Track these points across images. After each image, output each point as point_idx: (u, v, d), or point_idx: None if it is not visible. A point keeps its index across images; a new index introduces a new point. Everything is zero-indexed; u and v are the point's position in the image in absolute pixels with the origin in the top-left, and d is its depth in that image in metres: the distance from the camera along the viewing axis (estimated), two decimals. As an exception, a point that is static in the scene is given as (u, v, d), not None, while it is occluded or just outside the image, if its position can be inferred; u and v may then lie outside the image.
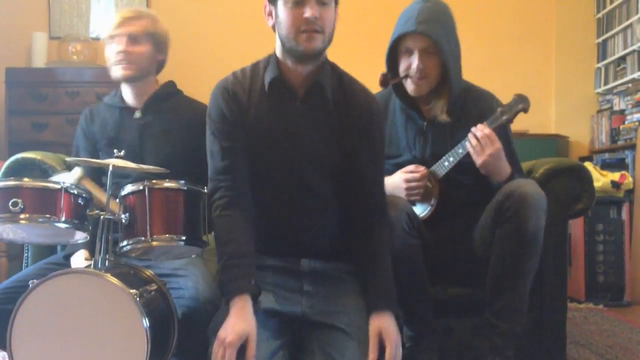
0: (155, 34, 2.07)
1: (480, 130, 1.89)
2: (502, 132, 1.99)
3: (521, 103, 1.94)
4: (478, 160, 1.89)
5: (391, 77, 2.02)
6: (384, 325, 1.55)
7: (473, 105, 2.03)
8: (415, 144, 2.04)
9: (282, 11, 1.58)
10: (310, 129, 1.66)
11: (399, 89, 2.04)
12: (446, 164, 1.96)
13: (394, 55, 2.01)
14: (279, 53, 1.66)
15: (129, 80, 2.04)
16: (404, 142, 2.05)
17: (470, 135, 1.90)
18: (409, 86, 1.98)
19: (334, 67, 1.72)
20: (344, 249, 1.69)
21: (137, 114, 2.06)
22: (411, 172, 1.96)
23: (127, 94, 2.09)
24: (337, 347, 1.51)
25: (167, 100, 2.11)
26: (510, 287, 1.83)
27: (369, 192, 1.70)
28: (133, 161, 1.75)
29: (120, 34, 2.01)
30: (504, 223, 1.81)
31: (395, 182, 1.98)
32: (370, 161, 1.70)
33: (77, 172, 1.84)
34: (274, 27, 1.64)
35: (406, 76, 1.97)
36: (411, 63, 1.94)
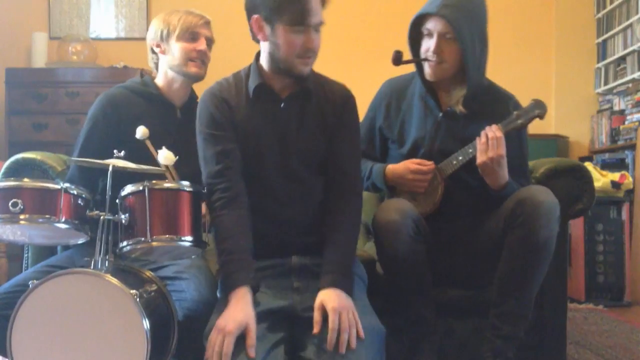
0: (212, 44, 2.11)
1: (493, 131, 1.88)
2: (518, 135, 2.00)
3: (538, 109, 1.93)
4: (479, 158, 1.88)
5: (411, 56, 1.99)
6: (324, 298, 1.55)
7: (490, 105, 2.01)
8: (427, 134, 2.02)
9: (282, 35, 1.64)
10: (295, 128, 1.73)
11: (422, 73, 2.02)
12: (454, 162, 1.95)
13: (417, 36, 1.98)
14: (264, 63, 1.72)
15: (197, 79, 2.05)
16: (416, 131, 2.03)
17: (482, 133, 1.89)
18: (426, 69, 1.97)
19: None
20: None
21: (179, 114, 2.06)
22: (418, 164, 1.96)
23: (171, 90, 2.05)
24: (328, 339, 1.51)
25: (196, 105, 2.06)
26: (517, 293, 1.82)
27: (343, 170, 1.75)
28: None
29: (202, 35, 2.03)
30: (515, 229, 1.80)
31: (401, 171, 1.98)
32: (345, 140, 1.77)
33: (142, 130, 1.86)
34: (255, 40, 1.72)
35: (425, 59, 1.95)
36: (429, 46, 1.92)
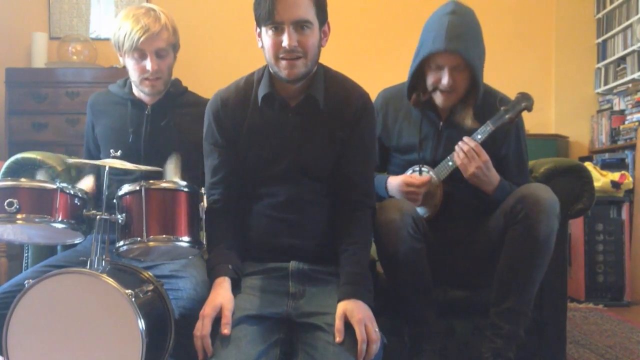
0: (176, 43, 2.00)
1: (466, 143, 1.90)
2: (516, 134, 2.01)
3: (524, 101, 1.93)
4: (466, 173, 1.90)
5: (422, 94, 1.98)
6: (347, 307, 1.56)
7: (485, 106, 2.00)
8: (428, 142, 2.03)
9: (264, 37, 1.66)
10: (303, 137, 1.73)
11: (414, 96, 2.02)
12: (450, 163, 1.96)
13: (420, 67, 1.96)
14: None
15: (154, 95, 2.00)
16: (417, 139, 2.04)
17: (457, 148, 1.91)
18: (438, 99, 1.96)
19: (326, 72, 1.78)
20: (333, 250, 1.72)
21: (148, 110, 2.02)
22: (412, 178, 1.97)
23: (140, 93, 2.04)
24: (319, 347, 1.52)
25: (177, 98, 2.07)
26: (518, 290, 1.82)
27: (353, 183, 1.75)
28: (143, 152, 1.86)
29: (148, 51, 1.91)
30: (515, 225, 1.80)
31: (397, 184, 1.99)
32: (357, 153, 1.76)
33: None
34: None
35: (435, 89, 1.95)
36: (441, 78, 1.91)
